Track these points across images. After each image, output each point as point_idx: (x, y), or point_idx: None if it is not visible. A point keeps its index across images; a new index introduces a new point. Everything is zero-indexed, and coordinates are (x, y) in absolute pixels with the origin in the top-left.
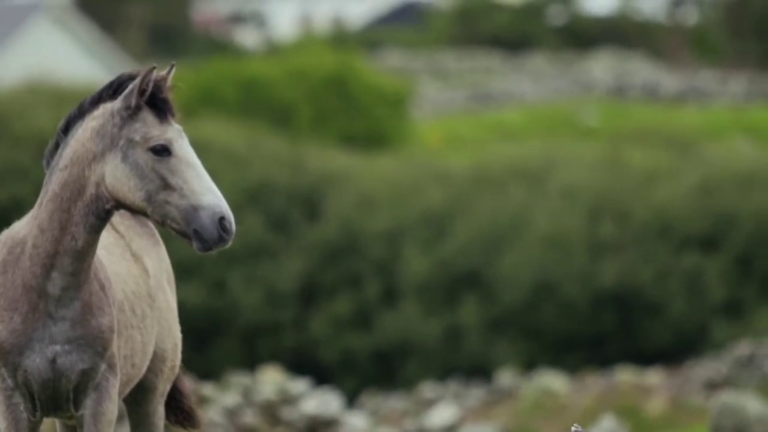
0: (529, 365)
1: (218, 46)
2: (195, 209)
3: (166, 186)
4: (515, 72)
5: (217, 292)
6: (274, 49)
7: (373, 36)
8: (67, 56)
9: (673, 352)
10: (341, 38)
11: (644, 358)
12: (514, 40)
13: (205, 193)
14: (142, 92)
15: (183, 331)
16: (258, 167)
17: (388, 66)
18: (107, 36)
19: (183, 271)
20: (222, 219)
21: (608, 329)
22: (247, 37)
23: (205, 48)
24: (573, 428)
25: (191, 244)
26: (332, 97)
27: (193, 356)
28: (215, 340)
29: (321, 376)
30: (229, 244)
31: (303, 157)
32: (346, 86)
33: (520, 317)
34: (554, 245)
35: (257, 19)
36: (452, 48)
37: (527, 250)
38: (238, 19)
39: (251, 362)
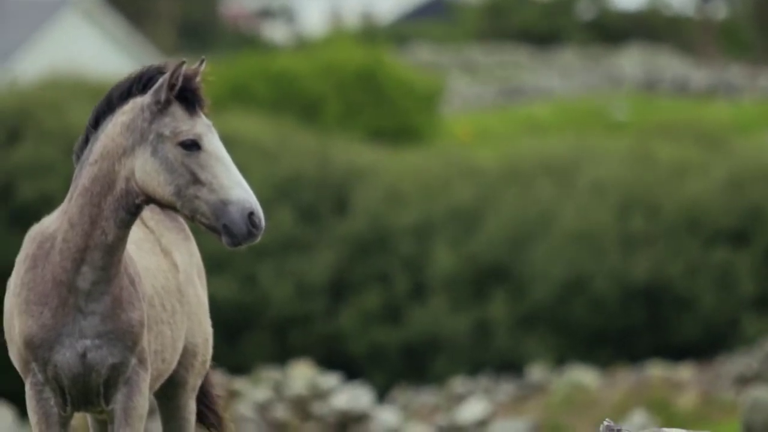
0: (559, 360)
1: (247, 41)
2: (224, 204)
3: (196, 181)
4: (544, 67)
5: (248, 285)
6: (303, 44)
7: (402, 31)
8: (96, 50)
9: (703, 347)
10: (370, 33)
11: (674, 352)
12: (544, 34)
13: (234, 187)
14: (171, 87)
15: (214, 325)
16: (287, 161)
17: (417, 61)
18: (136, 30)
19: (214, 265)
20: (251, 214)
21: (638, 324)
22: (276, 32)
23: (234, 43)
24: (605, 423)
25: (220, 239)
26: (361, 92)
27: (225, 350)
28: (246, 333)
29: (351, 370)
30: (258, 239)
31: (331, 150)
32: (376, 81)
33: (550, 313)
34: (583, 240)
35: (286, 14)
36: (481, 43)
37: (556, 245)
38: (266, 13)
39: (282, 355)
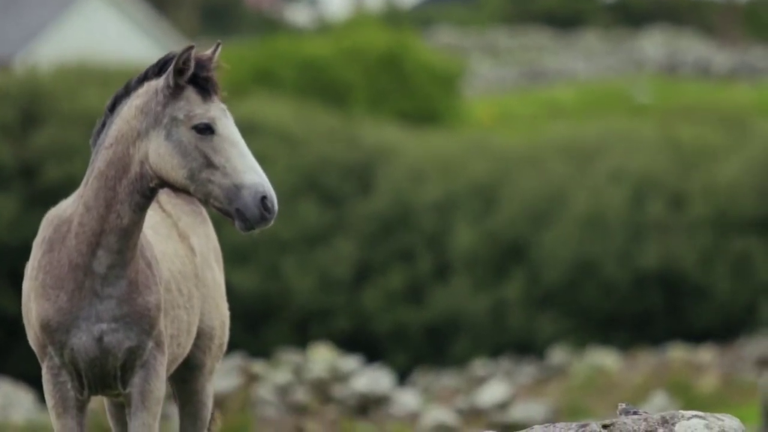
0: (577, 343)
1: (270, 24)
2: (237, 188)
3: (209, 164)
4: (567, 49)
5: (272, 277)
6: (326, 27)
7: (425, 14)
8: (120, 35)
9: (720, 332)
10: (393, 16)
11: (695, 336)
12: (566, 17)
13: (248, 171)
14: (179, 71)
15: (236, 316)
16: (312, 144)
17: (440, 44)
18: (159, 15)
19: (239, 256)
20: (264, 198)
21: (654, 308)
22: (299, 15)
23: (257, 26)
24: (621, 406)
25: (233, 223)
26: (387, 77)
27: (246, 339)
28: (268, 324)
29: (373, 351)
30: (271, 223)
31: (356, 132)
32: (400, 66)
33: (563, 295)
34: (594, 224)
35: None
36: (504, 25)
37: (568, 228)
38: None
39: (303, 344)
